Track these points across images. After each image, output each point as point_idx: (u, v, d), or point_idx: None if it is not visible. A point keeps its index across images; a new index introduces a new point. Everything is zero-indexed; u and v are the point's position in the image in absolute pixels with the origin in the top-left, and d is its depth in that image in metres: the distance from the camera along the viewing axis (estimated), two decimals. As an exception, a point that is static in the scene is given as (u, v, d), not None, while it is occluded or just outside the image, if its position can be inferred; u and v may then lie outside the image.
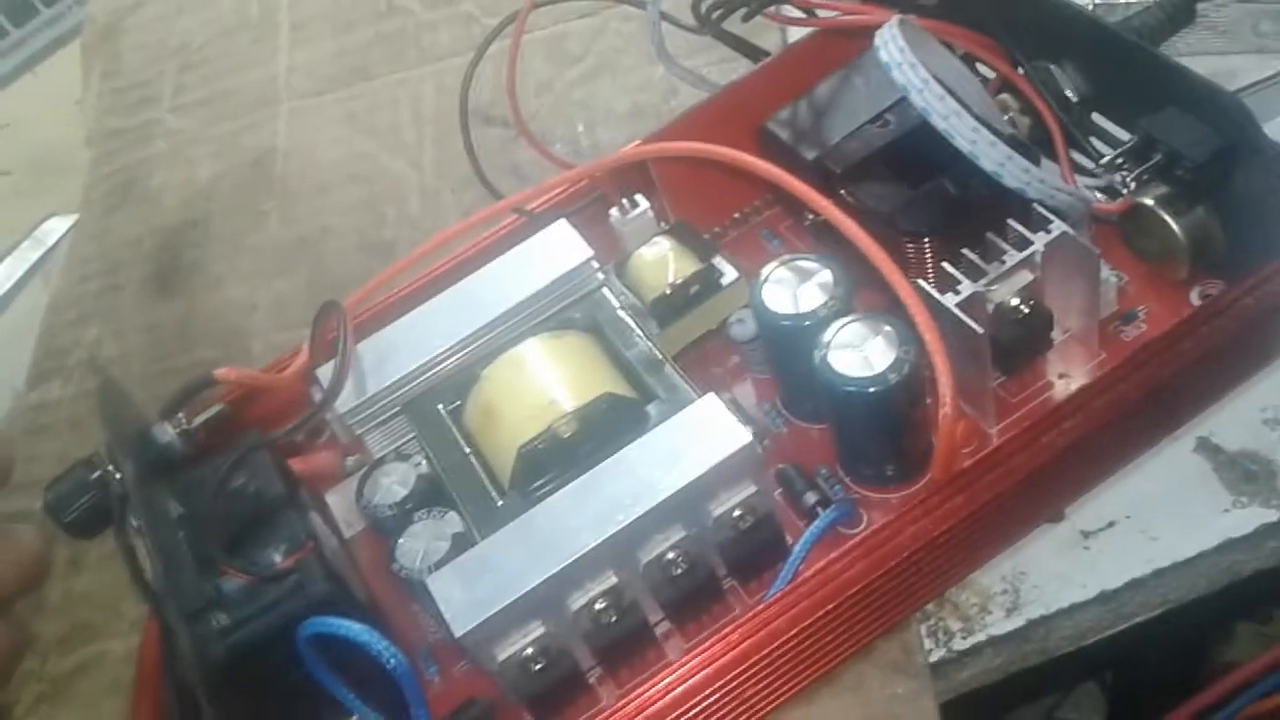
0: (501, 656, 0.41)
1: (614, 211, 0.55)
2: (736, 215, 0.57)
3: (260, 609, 0.42)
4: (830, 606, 0.42)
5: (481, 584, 0.41)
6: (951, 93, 0.42)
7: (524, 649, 0.41)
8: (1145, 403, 0.44)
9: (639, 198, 0.55)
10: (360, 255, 0.68)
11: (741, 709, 0.43)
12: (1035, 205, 0.44)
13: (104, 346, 0.70)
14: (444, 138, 0.72)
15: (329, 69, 0.80)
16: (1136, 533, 0.46)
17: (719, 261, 0.51)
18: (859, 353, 0.42)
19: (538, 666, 0.42)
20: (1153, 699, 0.64)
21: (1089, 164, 0.49)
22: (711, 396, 0.43)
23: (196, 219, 0.74)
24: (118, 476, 0.48)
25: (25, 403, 0.70)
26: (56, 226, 0.80)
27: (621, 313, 0.49)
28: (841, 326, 0.43)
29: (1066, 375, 0.47)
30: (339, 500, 0.52)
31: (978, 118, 0.41)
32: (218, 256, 0.72)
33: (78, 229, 0.79)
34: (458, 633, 0.40)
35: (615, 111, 0.69)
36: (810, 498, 0.46)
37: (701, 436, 0.42)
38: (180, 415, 0.50)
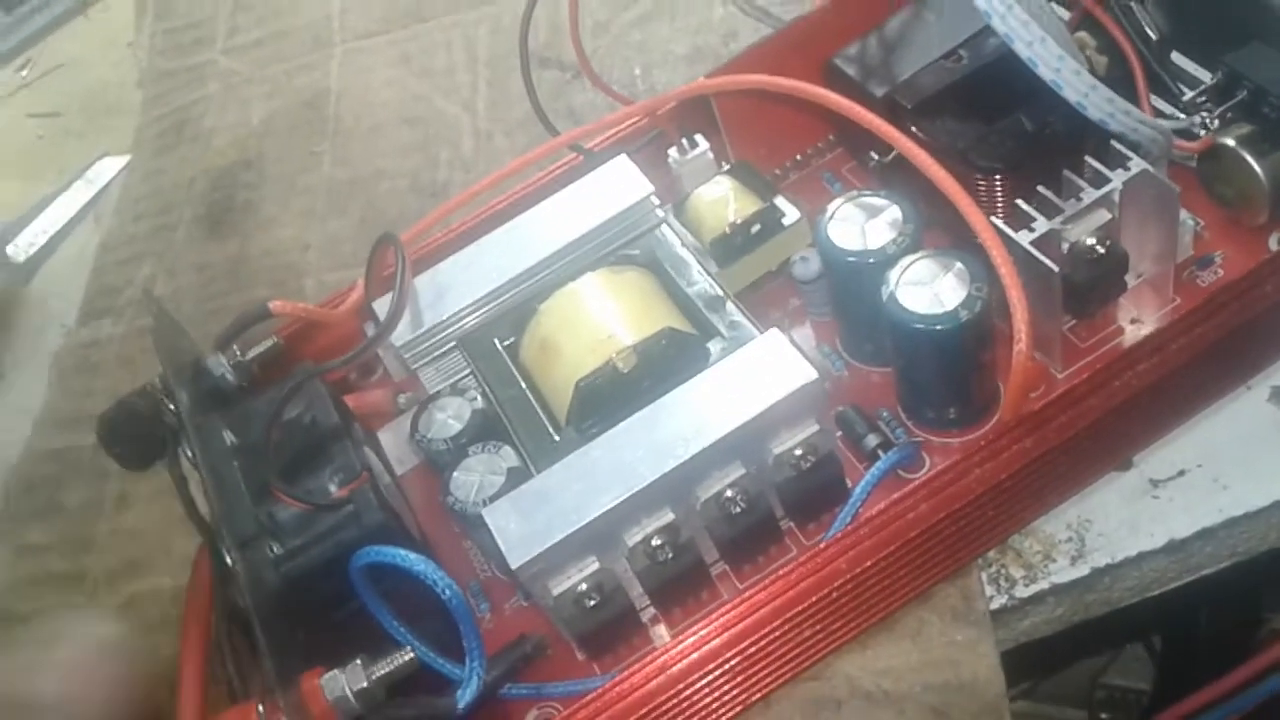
0: (556, 590, 0.41)
1: (673, 151, 0.54)
2: (798, 157, 0.56)
3: (315, 537, 0.42)
4: (892, 549, 0.41)
5: (538, 516, 0.40)
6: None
7: (579, 584, 0.41)
8: (1219, 349, 0.43)
9: (699, 138, 0.54)
10: (413, 197, 0.68)
11: (798, 652, 0.42)
12: (1114, 143, 0.43)
13: (156, 285, 0.70)
14: (498, 80, 0.72)
15: (383, 10, 0.80)
16: (1208, 481, 0.45)
17: (780, 201, 0.50)
18: (929, 290, 0.41)
19: (592, 602, 0.41)
20: (1201, 666, 0.63)
21: (1168, 108, 0.47)
22: (775, 332, 0.42)
23: (249, 159, 0.74)
24: (171, 408, 0.48)
25: (76, 339, 0.70)
26: (108, 167, 0.80)
27: (682, 250, 0.48)
28: (911, 263, 0.42)
29: (1139, 320, 0.46)
30: (391, 438, 0.52)
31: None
32: (270, 197, 0.71)
33: (130, 169, 0.79)
34: (514, 564, 0.39)
35: (673, 54, 0.68)
36: (872, 440, 0.45)
37: (765, 373, 0.41)
38: (234, 348, 0.50)
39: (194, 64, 0.83)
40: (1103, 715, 0.77)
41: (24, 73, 0.93)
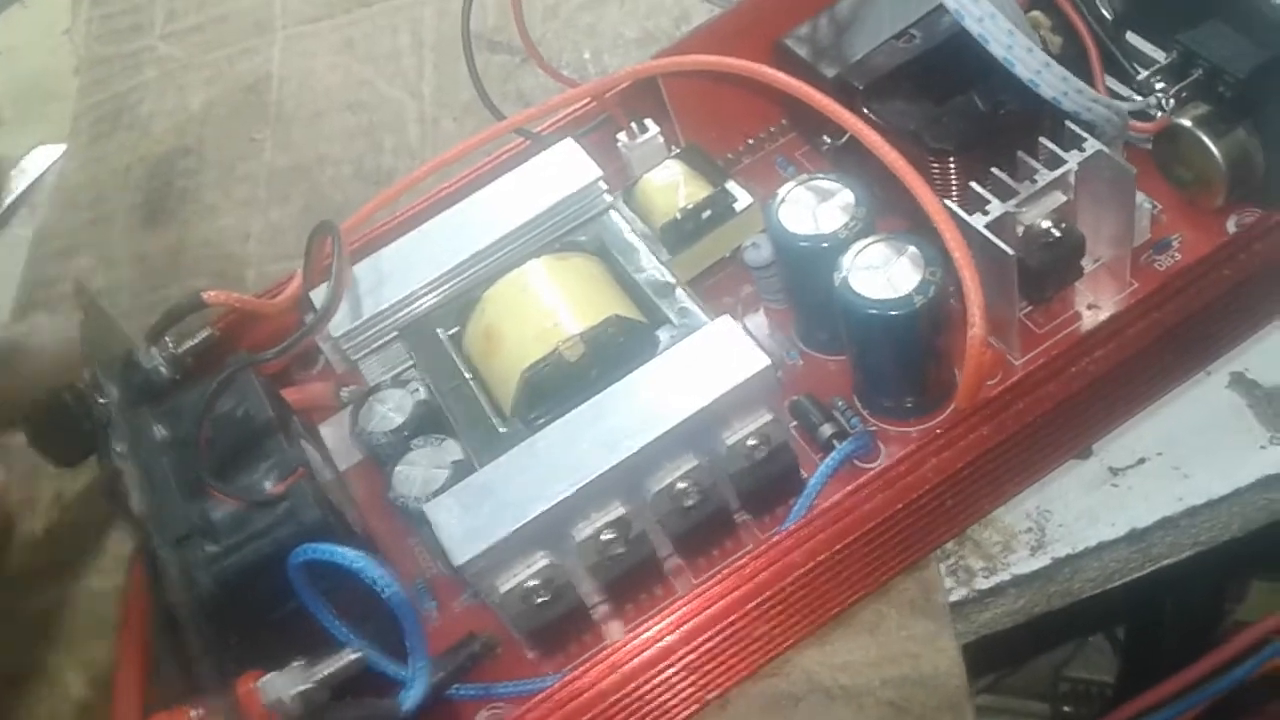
0: (504, 588, 0.39)
1: (622, 136, 0.53)
2: (750, 141, 0.54)
3: (250, 536, 0.40)
4: (848, 540, 0.40)
5: (483, 512, 0.39)
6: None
7: (527, 580, 0.39)
8: (1178, 333, 0.42)
9: (648, 122, 0.53)
10: (357, 184, 0.66)
11: (754, 648, 0.41)
12: (1068, 124, 0.42)
13: (93, 277, 0.67)
14: (444, 64, 0.70)
15: (326, -6, 0.78)
16: (1168, 470, 0.44)
17: (732, 186, 0.49)
18: (882, 274, 0.40)
19: (541, 599, 0.40)
20: (1164, 658, 0.62)
21: (1123, 89, 0.46)
22: (726, 319, 0.41)
23: (188, 146, 0.72)
24: (101, 402, 0.46)
25: (10, 333, 0.67)
26: (43, 156, 0.78)
27: (631, 236, 0.47)
28: (864, 247, 0.41)
29: (1096, 306, 0.45)
30: (333, 432, 0.50)
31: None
32: (210, 184, 0.69)
33: (65, 158, 0.76)
34: (457, 562, 0.38)
35: (624, 37, 0.67)
36: (826, 429, 0.44)
37: (716, 360, 0.40)
38: (167, 340, 0.48)
39: (131, 50, 0.81)
40: (1065, 708, 0.76)
41: (-44, 60, 0.90)
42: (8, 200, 0.76)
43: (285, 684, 0.38)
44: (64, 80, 0.83)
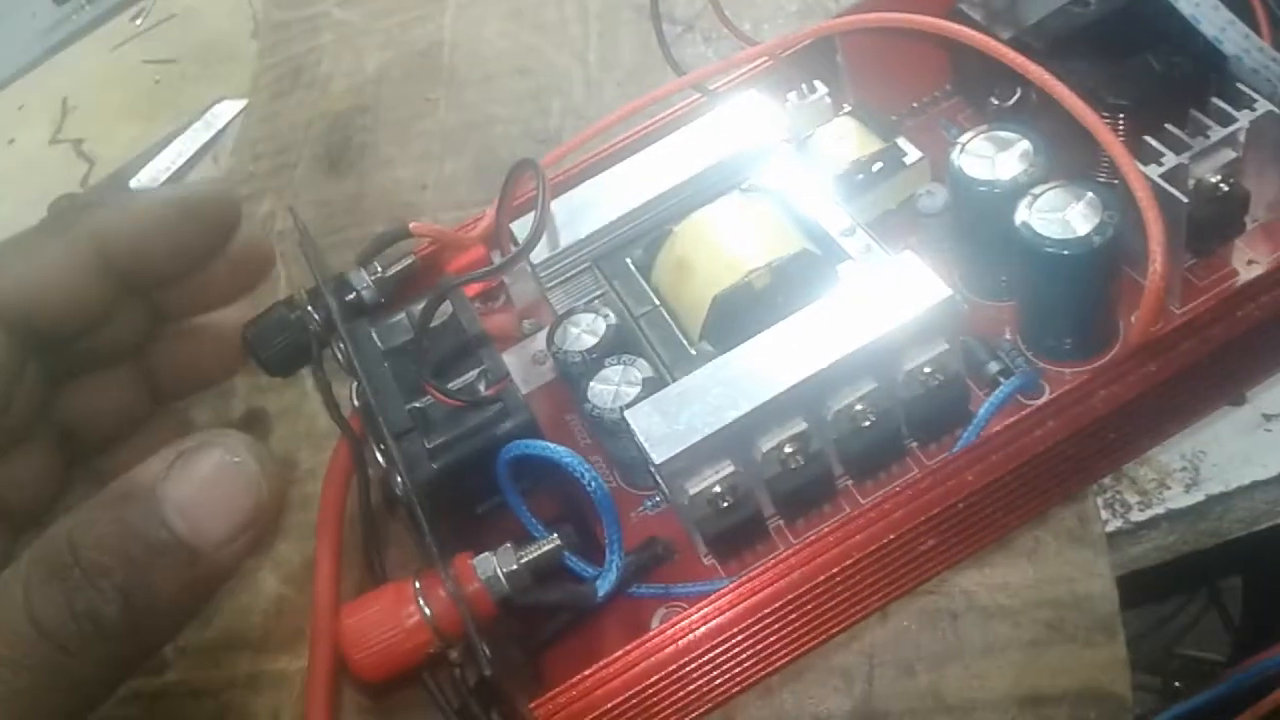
0: (693, 490, 0.42)
1: (791, 95, 0.56)
2: (915, 105, 0.57)
3: (467, 431, 0.44)
4: (1013, 466, 0.42)
5: (679, 418, 0.42)
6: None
7: (714, 485, 0.43)
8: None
9: (817, 83, 0.56)
10: (525, 143, 0.70)
11: (916, 564, 0.44)
12: (1239, 85, 0.44)
13: (276, 220, 0.72)
14: (608, 32, 0.74)
15: (496, -35, 0.82)
16: (1322, 417, 0.46)
17: (902, 141, 0.52)
18: (1060, 217, 0.43)
19: (725, 504, 0.43)
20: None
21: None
22: (910, 254, 0.44)
23: (365, 105, 0.76)
24: (316, 317, 0.50)
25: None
26: (226, 109, 0.83)
27: (810, 182, 0.50)
28: (1042, 192, 0.43)
29: (1255, 261, 0.47)
30: (515, 360, 0.54)
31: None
32: (387, 140, 0.74)
33: (247, 112, 0.81)
34: (657, 460, 0.41)
35: (784, 9, 0.70)
36: (993, 367, 0.47)
37: (899, 291, 0.43)
38: (375, 264, 0.52)
39: (308, 15, 0.86)
40: (1176, 684, 0.78)
41: (138, 22, 0.96)
42: (194, 149, 0.81)
43: (498, 562, 0.41)
44: (242, 42, 0.88)
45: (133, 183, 0.79)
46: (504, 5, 0.79)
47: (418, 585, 0.41)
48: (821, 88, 0.56)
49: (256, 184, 0.75)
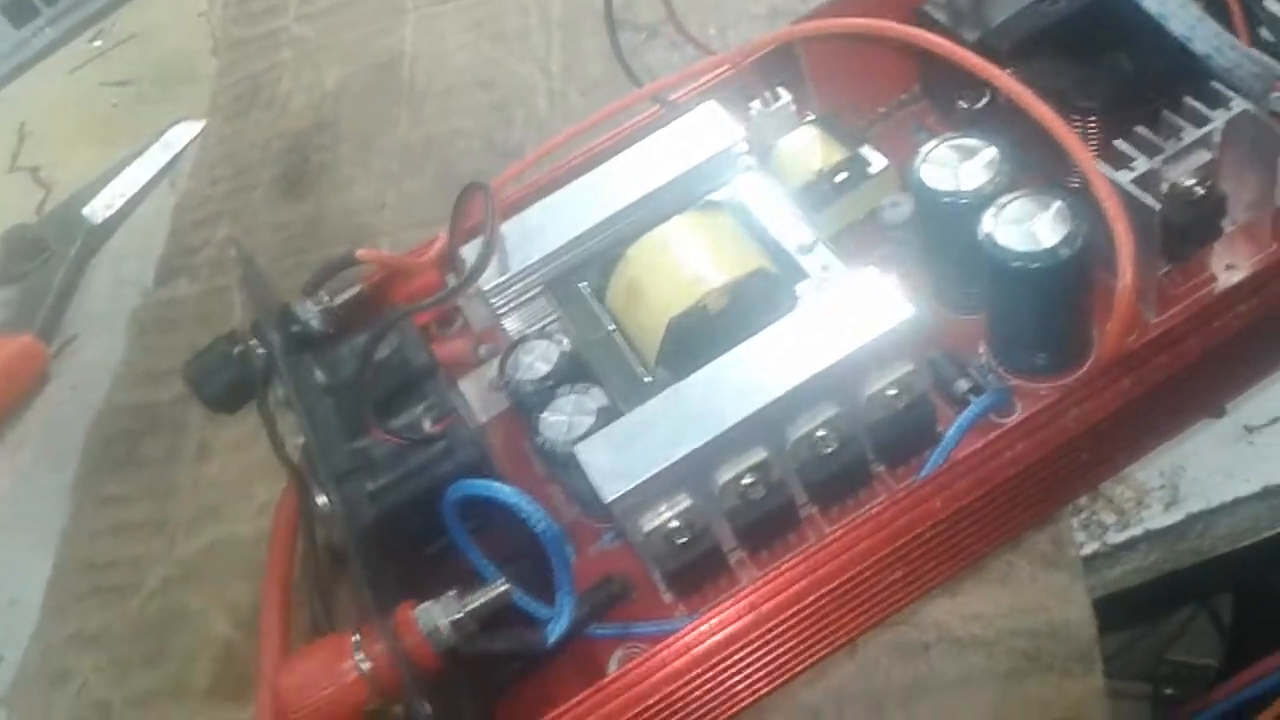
0: (648, 527, 0.41)
1: (755, 104, 0.54)
2: (882, 109, 0.55)
3: (410, 472, 0.42)
4: (985, 490, 0.41)
5: (631, 452, 0.40)
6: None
7: (670, 520, 0.41)
8: (1320, 292, 0.42)
9: (781, 90, 0.54)
10: (488, 157, 0.68)
11: (884, 595, 0.42)
12: (1214, 84, 0.42)
13: (233, 245, 0.70)
14: (572, 41, 0.72)
15: (456, -24, 0.80)
16: (1305, 428, 0.44)
17: (867, 150, 0.50)
18: (1026, 228, 0.41)
19: (682, 540, 0.41)
20: (1272, 640, 0.62)
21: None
22: (872, 269, 0.42)
23: (324, 122, 0.75)
24: (260, 351, 0.48)
25: (154, 298, 0.71)
26: (184, 132, 0.81)
27: (770, 196, 0.48)
28: (1008, 202, 0.41)
29: (1234, 267, 0.45)
30: (472, 387, 0.52)
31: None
32: (346, 158, 0.72)
33: (205, 133, 0.80)
34: (608, 498, 0.39)
35: (751, 12, 0.68)
36: (962, 384, 0.45)
37: (860, 310, 0.41)
38: (322, 294, 0.50)
39: (267, 31, 0.84)
40: (1168, 690, 0.76)
41: (97, 43, 0.94)
42: (151, 173, 0.79)
43: (440, 612, 0.39)
44: (202, 60, 0.87)
45: (86, 210, 0.77)
46: (465, 16, 0.77)
47: (356, 638, 0.39)
48: (786, 95, 0.54)
49: (213, 207, 0.73)
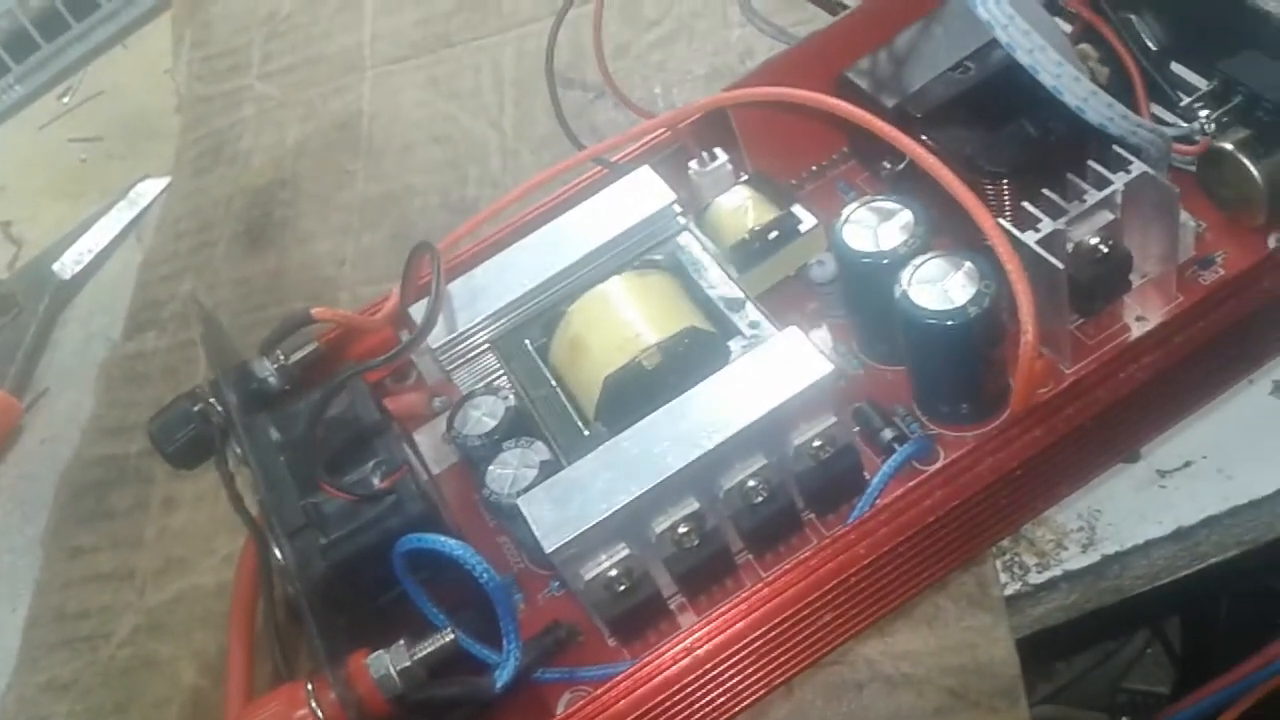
0: (588, 575, 0.43)
1: (693, 164, 0.56)
2: (813, 169, 0.58)
3: (359, 527, 0.44)
4: (908, 535, 0.43)
5: (571, 504, 0.42)
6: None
7: (609, 569, 0.43)
8: (1221, 342, 0.45)
9: (718, 150, 0.56)
10: (443, 212, 0.70)
11: (818, 637, 0.44)
12: (1115, 147, 0.45)
13: (197, 299, 0.72)
14: (523, 99, 0.74)
15: (412, 36, 0.82)
16: (1213, 472, 0.46)
17: (797, 209, 0.52)
18: (939, 287, 0.43)
19: (621, 588, 0.43)
20: (1219, 663, 0.64)
21: (1168, 116, 0.49)
22: (794, 329, 0.44)
23: (285, 179, 0.77)
24: (219, 409, 0.50)
25: (122, 352, 0.72)
26: (149, 188, 0.83)
27: (703, 255, 0.50)
28: (922, 263, 0.44)
29: (1144, 318, 0.48)
30: (426, 439, 0.54)
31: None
32: (306, 213, 0.74)
33: (170, 190, 0.82)
34: (548, 549, 0.41)
35: (693, 73, 0.71)
36: (887, 434, 0.47)
37: (783, 367, 0.43)
38: (278, 352, 0.52)
39: (230, 90, 0.86)
40: (1123, 718, 0.78)
41: (65, 99, 0.96)
42: (118, 229, 0.81)
43: (389, 661, 0.41)
44: (166, 118, 0.89)
45: (56, 266, 0.79)
46: (420, 75, 0.79)
47: (310, 687, 0.40)
48: (722, 155, 0.56)
49: (178, 262, 0.75)
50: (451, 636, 0.42)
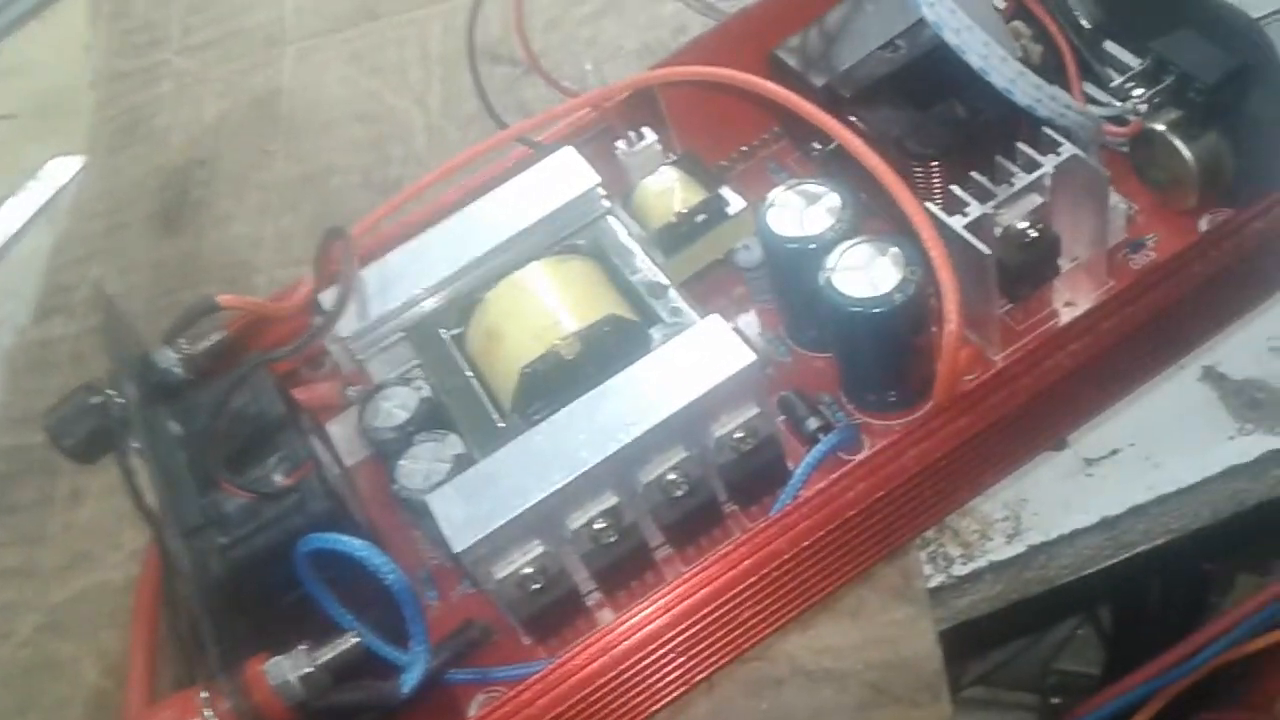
0: (500, 574, 0.41)
1: (620, 144, 0.54)
2: (744, 149, 0.56)
3: (260, 526, 0.42)
4: (830, 528, 0.42)
5: (482, 501, 0.41)
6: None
7: (522, 568, 0.41)
8: (1151, 327, 0.44)
9: (646, 130, 0.54)
10: (365, 193, 0.68)
11: (739, 632, 0.43)
12: (1045, 129, 0.44)
13: (109, 283, 0.69)
14: (451, 76, 0.72)
15: (336, 8, 0.80)
16: (1140, 460, 0.46)
17: (725, 191, 0.51)
18: (864, 274, 0.42)
19: (535, 586, 0.41)
20: (1149, 649, 0.64)
21: (1101, 96, 0.48)
22: (715, 317, 0.43)
23: (203, 158, 0.74)
24: (119, 401, 0.48)
25: (29, 338, 0.70)
26: (62, 167, 0.80)
27: (627, 239, 0.49)
28: (847, 248, 0.42)
29: (1073, 304, 0.47)
30: (340, 430, 0.52)
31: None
32: (224, 194, 0.71)
33: (84, 169, 0.79)
34: (456, 549, 0.40)
35: (624, 49, 0.69)
36: (812, 423, 0.46)
37: (705, 357, 0.42)
38: (181, 341, 0.50)
39: (148, 64, 0.83)
40: (1054, 699, 0.78)
41: (-23, 75, 0.93)
42: (29, 211, 0.78)
43: (290, 666, 0.40)
44: (81, 94, 0.85)
45: (-36, 250, 0.76)
46: (343, 50, 0.77)
47: (205, 695, 0.39)
48: (650, 135, 0.54)
49: (90, 245, 0.73)
50: (356, 640, 0.40)
